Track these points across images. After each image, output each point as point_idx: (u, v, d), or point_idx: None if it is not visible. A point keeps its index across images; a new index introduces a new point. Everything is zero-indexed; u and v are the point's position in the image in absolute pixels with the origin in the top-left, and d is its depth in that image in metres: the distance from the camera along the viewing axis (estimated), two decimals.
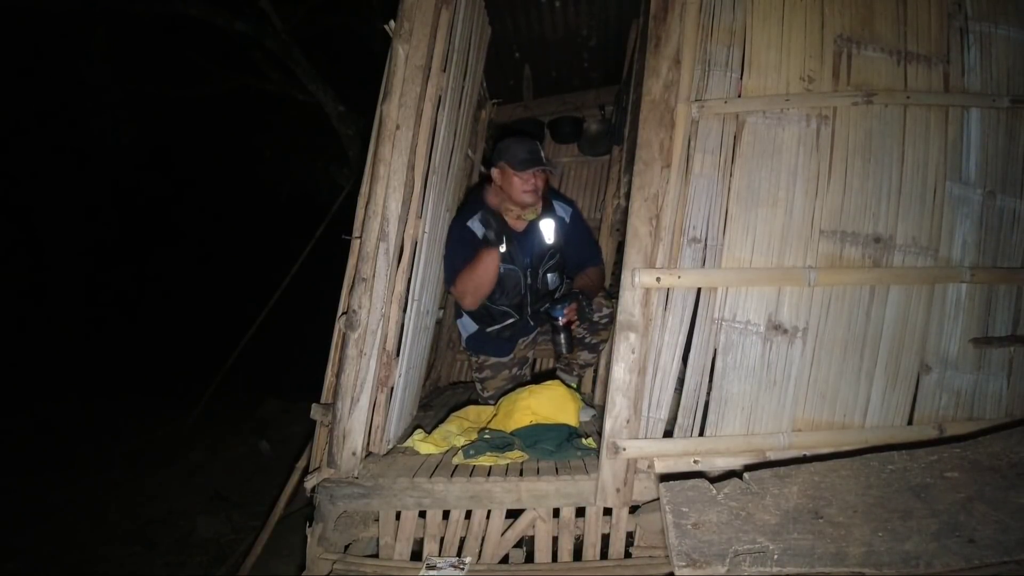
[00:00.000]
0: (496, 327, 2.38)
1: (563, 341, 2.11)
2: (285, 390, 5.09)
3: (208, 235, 9.23)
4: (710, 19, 1.67)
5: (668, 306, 1.61)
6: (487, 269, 2.14)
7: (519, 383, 2.40)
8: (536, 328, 2.48)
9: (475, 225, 2.21)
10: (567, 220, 2.32)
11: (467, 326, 2.45)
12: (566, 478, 1.60)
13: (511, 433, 1.83)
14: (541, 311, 2.34)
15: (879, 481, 1.29)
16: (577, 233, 2.35)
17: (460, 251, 2.19)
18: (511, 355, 2.46)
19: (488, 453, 1.72)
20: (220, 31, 5.34)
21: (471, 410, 2.15)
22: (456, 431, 1.94)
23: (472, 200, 2.34)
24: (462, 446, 1.81)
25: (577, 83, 3.80)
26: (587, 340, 2.33)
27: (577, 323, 2.18)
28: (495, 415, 2.02)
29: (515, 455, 1.74)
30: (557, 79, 3.75)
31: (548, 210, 2.28)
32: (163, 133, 7.34)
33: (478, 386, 2.51)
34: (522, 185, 2.13)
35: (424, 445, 1.85)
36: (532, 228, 2.27)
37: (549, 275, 2.32)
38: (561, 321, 2.08)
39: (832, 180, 1.64)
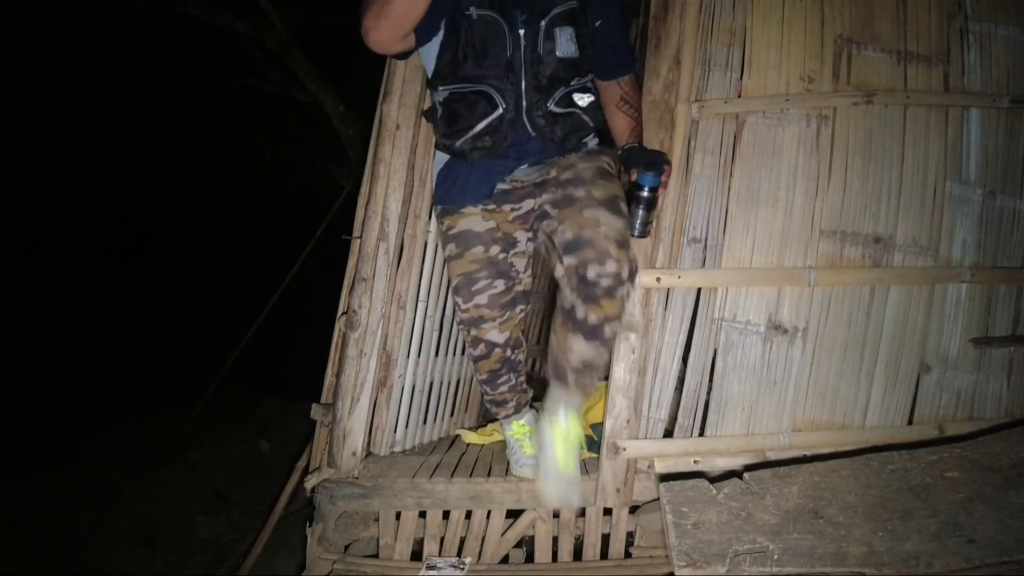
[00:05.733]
0: (469, 134, 1.43)
1: (641, 215, 1.45)
2: (285, 390, 5.08)
3: (208, 235, 9.22)
4: (710, 19, 1.67)
5: (668, 306, 1.61)
6: None
7: (502, 276, 1.52)
8: (541, 149, 1.48)
9: None
10: None
11: (438, 160, 1.58)
12: None
13: None
14: (552, 112, 1.43)
15: (879, 481, 1.29)
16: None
17: None
18: (484, 204, 1.51)
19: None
20: (220, 31, 5.34)
21: None
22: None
23: None
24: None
25: None
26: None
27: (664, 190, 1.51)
28: None
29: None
30: None
31: None
32: (163, 133, 7.34)
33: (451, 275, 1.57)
34: None
35: (469, 435, 1.99)
36: None
37: (558, 31, 1.40)
38: (648, 192, 1.43)
39: (832, 180, 1.64)
